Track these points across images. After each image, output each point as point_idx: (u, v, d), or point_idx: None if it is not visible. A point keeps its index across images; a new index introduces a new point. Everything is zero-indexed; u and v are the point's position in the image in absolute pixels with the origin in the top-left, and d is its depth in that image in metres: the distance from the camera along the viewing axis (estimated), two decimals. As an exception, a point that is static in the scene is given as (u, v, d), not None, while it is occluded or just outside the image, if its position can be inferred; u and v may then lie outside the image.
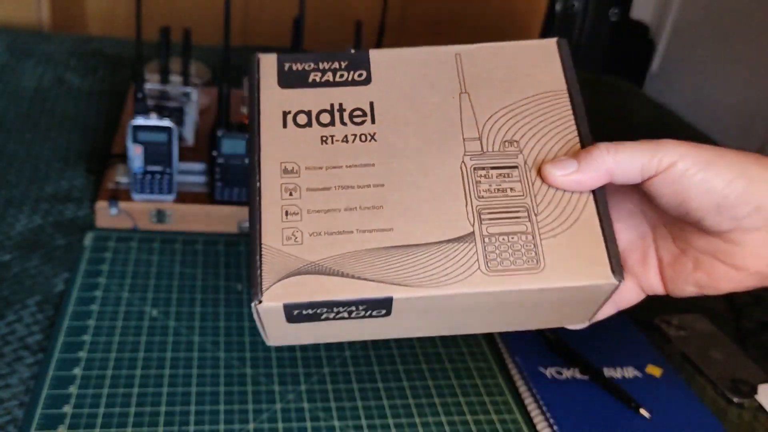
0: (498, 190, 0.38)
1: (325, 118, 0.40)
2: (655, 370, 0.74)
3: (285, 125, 0.40)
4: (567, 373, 0.72)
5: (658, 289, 0.44)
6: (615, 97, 1.61)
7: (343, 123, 0.40)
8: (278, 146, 0.39)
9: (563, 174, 0.39)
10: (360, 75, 0.41)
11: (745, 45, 2.69)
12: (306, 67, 0.42)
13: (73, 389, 0.62)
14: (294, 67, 0.43)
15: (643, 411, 0.67)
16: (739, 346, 0.81)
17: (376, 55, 0.41)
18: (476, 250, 0.37)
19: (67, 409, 0.60)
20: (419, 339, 0.74)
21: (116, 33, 2.13)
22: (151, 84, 0.95)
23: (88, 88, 1.23)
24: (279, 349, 0.69)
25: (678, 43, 3.08)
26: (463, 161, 0.39)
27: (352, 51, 0.42)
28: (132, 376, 0.65)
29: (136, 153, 0.81)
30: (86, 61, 1.34)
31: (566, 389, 0.70)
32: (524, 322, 0.41)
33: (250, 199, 0.39)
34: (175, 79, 0.99)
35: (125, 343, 0.68)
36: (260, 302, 0.36)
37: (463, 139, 0.39)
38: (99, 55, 1.37)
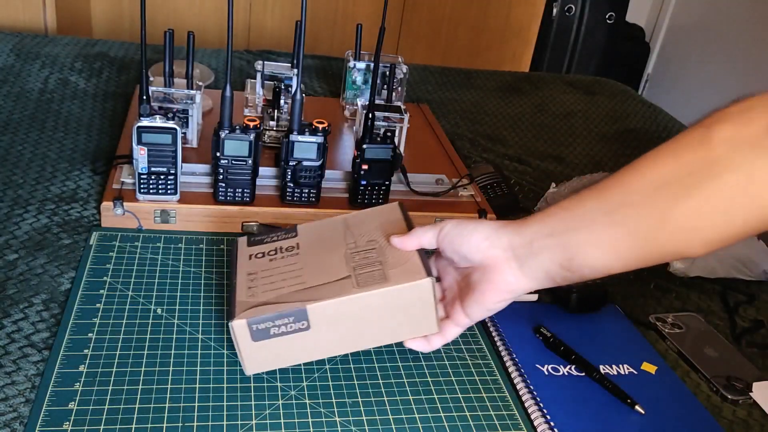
0: (364, 258, 0.68)
1: (272, 254, 0.72)
2: (650, 368, 0.75)
3: (250, 259, 0.72)
4: (564, 370, 0.73)
5: (464, 321, 0.67)
6: (611, 98, 1.62)
7: (281, 253, 0.71)
8: (246, 266, 0.71)
9: (397, 239, 0.68)
10: (291, 235, 0.74)
11: (738, 47, 2.70)
12: (264, 238, 0.74)
13: (78, 386, 0.63)
14: (255, 239, 0.75)
15: (638, 407, 0.68)
16: (733, 344, 0.82)
17: (300, 226, 0.75)
18: (352, 280, 0.65)
19: (73, 405, 0.61)
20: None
21: (121, 36, 2.15)
22: (156, 86, 0.96)
23: (93, 90, 1.25)
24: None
25: (673, 45, 3.09)
26: (345, 252, 0.69)
27: (286, 228, 0.76)
28: (136, 373, 0.66)
29: (140, 154, 0.82)
30: (91, 63, 1.36)
31: (563, 386, 0.71)
32: (394, 330, 0.66)
33: (230, 288, 0.68)
34: (179, 81, 1.00)
35: (130, 341, 0.69)
36: (233, 320, 0.63)
37: (346, 244, 0.70)
38: (104, 58, 1.39)
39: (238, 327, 0.63)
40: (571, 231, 0.60)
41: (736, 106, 0.54)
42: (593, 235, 0.58)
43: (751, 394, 0.74)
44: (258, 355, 0.65)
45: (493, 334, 0.77)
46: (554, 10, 2.80)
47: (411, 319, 0.65)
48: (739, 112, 0.53)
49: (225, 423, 0.62)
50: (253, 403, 0.65)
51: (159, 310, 0.74)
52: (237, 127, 0.84)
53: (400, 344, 0.74)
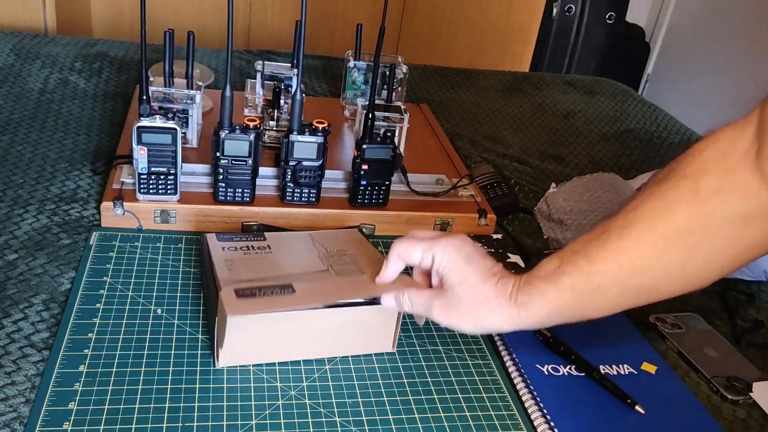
0: (338, 260, 0.76)
1: (245, 249, 0.77)
2: (650, 368, 0.75)
3: (224, 250, 0.76)
4: (564, 370, 0.73)
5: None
6: (611, 98, 1.62)
7: (255, 250, 0.77)
8: (221, 256, 0.74)
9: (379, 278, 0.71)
10: (260, 239, 0.79)
11: (738, 47, 2.70)
12: (233, 237, 0.79)
13: (78, 386, 0.63)
14: (224, 236, 0.78)
15: (638, 407, 0.68)
16: (733, 344, 0.82)
17: (267, 234, 0.81)
18: (331, 272, 0.74)
19: (73, 405, 0.61)
20: (419, 337, 0.75)
21: (121, 36, 2.15)
22: (156, 86, 0.96)
23: (93, 90, 1.25)
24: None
25: (673, 45, 3.09)
26: (318, 255, 0.77)
27: (256, 230, 0.86)
28: (136, 373, 0.66)
29: (140, 154, 0.82)
30: (91, 63, 1.36)
31: (563, 386, 0.71)
32: (363, 339, 0.72)
33: (211, 275, 0.71)
34: (179, 81, 1.00)
35: (130, 341, 0.69)
36: (221, 289, 0.67)
37: (317, 251, 0.78)
38: (104, 58, 1.39)
39: (226, 293, 0.66)
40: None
41: (710, 149, 0.55)
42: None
43: (751, 394, 0.74)
44: (241, 322, 0.66)
45: (494, 334, 0.77)
46: (554, 10, 2.80)
47: (374, 332, 0.72)
48: (715, 159, 0.55)
49: (225, 423, 0.62)
50: (253, 403, 0.65)
51: (159, 310, 0.74)
52: (237, 127, 0.84)
53: (401, 343, 0.74)
